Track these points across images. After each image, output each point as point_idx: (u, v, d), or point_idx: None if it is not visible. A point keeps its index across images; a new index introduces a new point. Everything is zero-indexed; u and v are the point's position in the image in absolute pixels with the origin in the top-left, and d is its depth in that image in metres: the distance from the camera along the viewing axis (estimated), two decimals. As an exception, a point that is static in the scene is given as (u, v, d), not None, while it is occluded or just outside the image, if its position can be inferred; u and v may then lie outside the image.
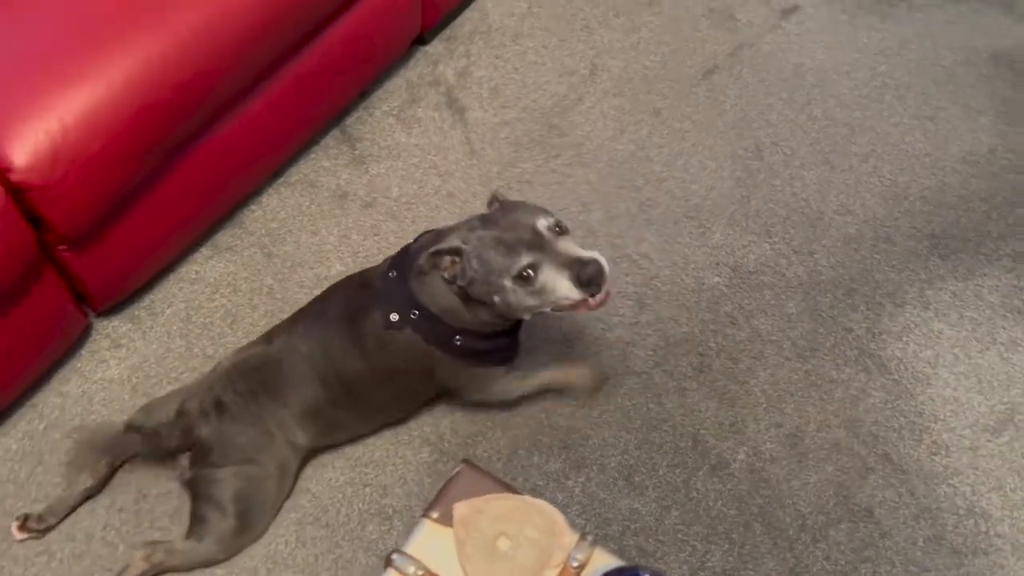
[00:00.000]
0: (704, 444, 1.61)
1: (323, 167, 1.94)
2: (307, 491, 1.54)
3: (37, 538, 1.47)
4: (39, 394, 1.61)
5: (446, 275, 1.30)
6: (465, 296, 1.32)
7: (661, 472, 1.58)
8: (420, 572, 1.04)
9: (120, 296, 1.67)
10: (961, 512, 1.55)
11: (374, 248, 1.83)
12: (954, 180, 1.97)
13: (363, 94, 2.05)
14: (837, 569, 1.48)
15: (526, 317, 1.35)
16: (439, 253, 1.29)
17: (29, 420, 1.58)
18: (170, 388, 1.61)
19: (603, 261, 1.23)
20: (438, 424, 1.62)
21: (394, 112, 2.04)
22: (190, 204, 1.66)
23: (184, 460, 1.44)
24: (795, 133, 2.03)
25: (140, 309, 1.71)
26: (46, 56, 1.36)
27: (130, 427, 1.48)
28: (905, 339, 1.74)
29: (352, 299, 1.43)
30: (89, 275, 1.54)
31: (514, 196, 1.90)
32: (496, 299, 1.28)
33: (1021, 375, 1.70)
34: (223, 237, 1.81)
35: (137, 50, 1.38)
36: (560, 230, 1.28)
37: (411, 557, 1.06)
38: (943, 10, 2.28)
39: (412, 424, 1.61)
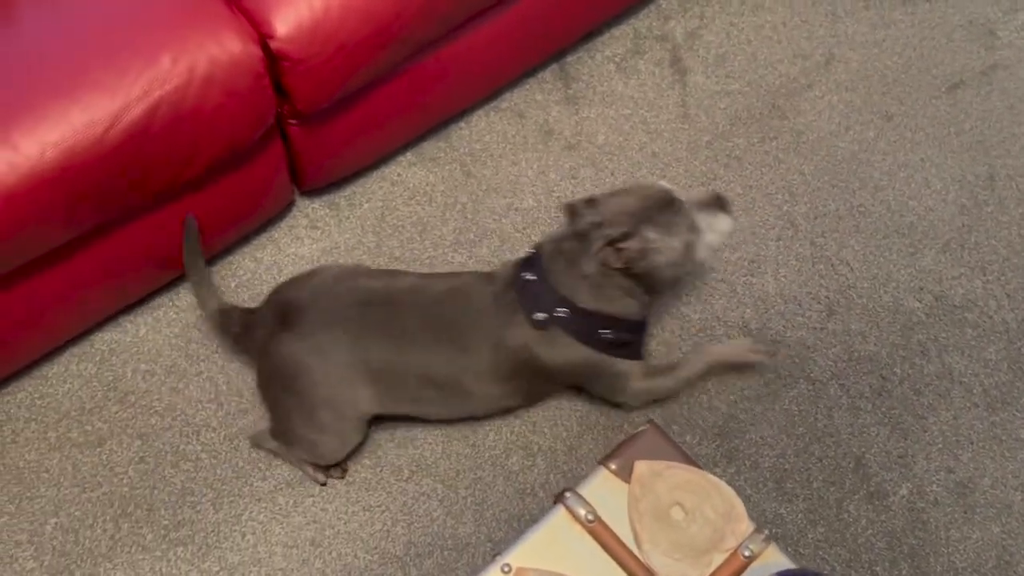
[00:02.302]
0: (866, 469, 1.53)
1: (535, 100, 1.93)
2: (461, 409, 1.57)
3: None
4: (236, 255, 1.69)
5: (618, 263, 1.30)
6: (637, 280, 1.34)
7: (815, 485, 1.52)
8: (590, 516, 1.04)
9: (326, 180, 1.72)
10: None
11: (569, 190, 1.81)
12: None
13: (588, 35, 2.02)
14: (981, 634, 1.40)
15: (686, 274, 1.44)
16: (616, 241, 1.29)
17: (223, 276, 1.67)
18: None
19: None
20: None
21: (616, 59, 2.00)
22: (410, 108, 1.69)
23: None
24: (1036, 171, 1.87)
25: (340, 198, 1.76)
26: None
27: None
28: (1112, 417, 1.60)
29: (491, 295, 1.37)
30: (307, 154, 1.60)
31: (721, 171, 1.85)
32: (675, 262, 1.34)
33: None
34: (429, 147, 1.84)
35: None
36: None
37: (584, 499, 1.06)
38: None
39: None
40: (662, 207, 1.34)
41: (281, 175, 1.60)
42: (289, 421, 1.40)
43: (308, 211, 1.75)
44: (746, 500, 1.49)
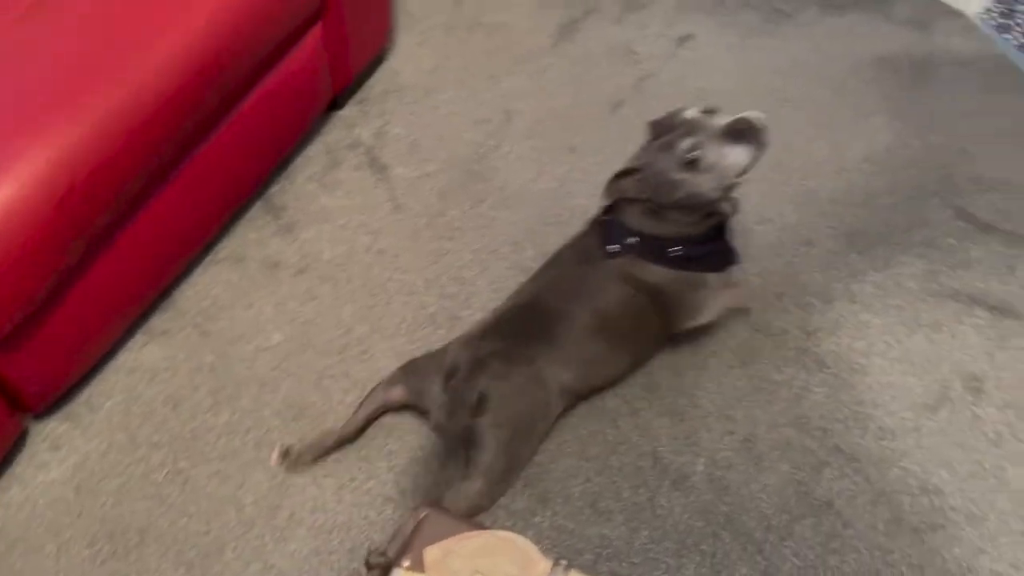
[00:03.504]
0: (663, 461, 1.63)
1: (251, 240, 1.94)
2: (272, 567, 1.50)
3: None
4: (-22, 507, 1.55)
5: (632, 195, 1.45)
6: (658, 208, 1.46)
7: (625, 495, 1.59)
8: (398, 622, 1.03)
9: (55, 395, 1.62)
10: (915, 491, 1.60)
11: (312, 312, 1.82)
12: (859, 180, 2.07)
13: (282, 164, 2.07)
14: (807, 564, 1.51)
15: (717, 199, 1.44)
16: (617, 178, 1.45)
17: (-30, 535, 1.52)
18: (118, 482, 1.57)
19: (754, 114, 1.35)
20: (399, 481, 1.60)
21: (316, 178, 2.06)
22: (119, 292, 1.64)
23: (441, 412, 1.49)
24: (706, 153, 2.11)
25: (78, 406, 1.67)
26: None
27: (393, 381, 1.57)
28: (838, 334, 1.81)
29: (579, 246, 1.58)
30: (21, 377, 1.50)
31: (448, 244, 1.94)
32: (680, 195, 1.41)
33: (948, 353, 1.78)
34: (157, 321, 1.79)
35: (47, 143, 1.37)
36: (710, 110, 1.41)
37: (387, 609, 1.05)
38: (824, 24, 2.42)
39: (372, 484, 1.59)
40: (671, 140, 1.41)
41: (-2, 408, 1.49)
42: (511, 446, 1.49)
43: (46, 432, 1.63)
44: (569, 534, 1.54)
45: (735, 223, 1.60)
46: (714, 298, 1.61)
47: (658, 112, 2.17)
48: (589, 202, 1.99)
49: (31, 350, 1.48)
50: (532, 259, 1.90)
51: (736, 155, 1.36)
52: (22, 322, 1.41)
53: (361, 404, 1.58)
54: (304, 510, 1.55)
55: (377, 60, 2.28)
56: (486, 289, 1.86)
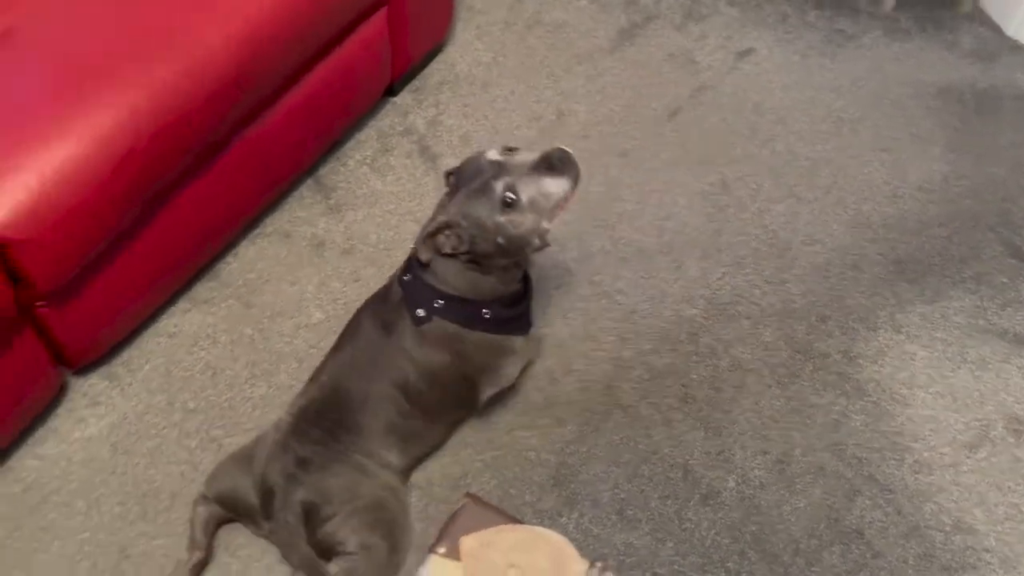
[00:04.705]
0: (694, 474, 1.61)
1: (299, 217, 1.95)
2: (297, 543, 1.51)
3: None
4: (14, 457, 1.56)
5: (449, 250, 1.35)
6: (476, 261, 1.37)
7: (653, 504, 1.58)
8: (429, 609, 1.03)
9: (98, 353, 1.64)
10: (948, 529, 1.57)
11: (354, 294, 1.83)
12: (913, 207, 2.04)
13: (335, 145, 2.07)
14: (833, 592, 1.49)
15: (537, 243, 1.38)
16: (432, 235, 1.35)
17: (7, 483, 1.53)
18: (150, 444, 1.59)
19: (561, 146, 1.32)
20: (426, 467, 1.60)
21: (367, 161, 2.06)
22: (167, 257, 1.65)
23: (278, 543, 1.40)
24: (759, 168, 2.09)
25: (118, 366, 1.68)
26: (24, 110, 1.36)
27: (205, 501, 1.45)
28: (880, 362, 1.78)
29: (380, 312, 1.47)
30: (66, 332, 1.52)
31: (491, 238, 1.93)
32: (502, 241, 1.32)
33: (992, 392, 1.75)
34: (200, 290, 1.80)
35: (114, 104, 1.39)
36: (511, 149, 1.35)
37: (419, 594, 1.05)
38: (890, 48, 2.39)
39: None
40: (482, 185, 1.31)
41: (42, 361, 1.51)
42: (378, 527, 1.38)
43: (85, 389, 1.65)
44: (594, 538, 1.53)
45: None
46: (516, 364, 1.56)
47: (714, 124, 2.17)
48: (636, 208, 1.99)
49: (78, 307, 1.50)
50: (575, 260, 1.90)
51: (553, 187, 1.32)
52: (74, 278, 1.43)
53: (192, 529, 1.44)
54: (333, 490, 1.55)
55: (435, 50, 2.28)
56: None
